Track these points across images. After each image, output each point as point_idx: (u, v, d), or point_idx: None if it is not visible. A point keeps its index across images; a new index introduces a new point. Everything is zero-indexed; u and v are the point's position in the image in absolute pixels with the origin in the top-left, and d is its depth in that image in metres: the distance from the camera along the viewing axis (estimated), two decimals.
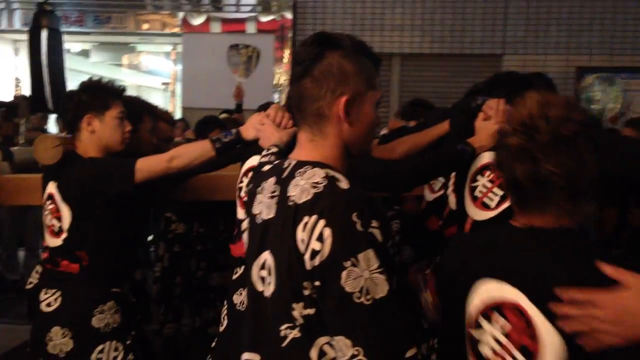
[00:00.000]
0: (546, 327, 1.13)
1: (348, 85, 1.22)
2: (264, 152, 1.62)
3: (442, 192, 2.55)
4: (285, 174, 1.24)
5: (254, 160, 2.02)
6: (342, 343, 1.08)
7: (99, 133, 2.15)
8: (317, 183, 1.14)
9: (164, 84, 8.80)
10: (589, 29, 6.38)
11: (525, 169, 1.21)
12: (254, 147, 1.96)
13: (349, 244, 1.08)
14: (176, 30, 7.11)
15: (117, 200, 2.07)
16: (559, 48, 6.44)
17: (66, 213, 2.06)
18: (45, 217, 2.13)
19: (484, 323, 1.24)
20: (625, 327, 1.03)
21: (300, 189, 1.15)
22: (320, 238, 1.09)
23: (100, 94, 2.17)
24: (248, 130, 1.96)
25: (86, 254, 2.07)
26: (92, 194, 2.04)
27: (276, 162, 1.37)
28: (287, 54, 6.89)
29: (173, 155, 2.04)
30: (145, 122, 2.42)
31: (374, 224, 1.11)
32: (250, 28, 6.98)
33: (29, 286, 2.34)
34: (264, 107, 2.12)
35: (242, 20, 6.99)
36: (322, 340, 1.14)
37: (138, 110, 2.38)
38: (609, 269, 1.07)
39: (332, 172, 1.17)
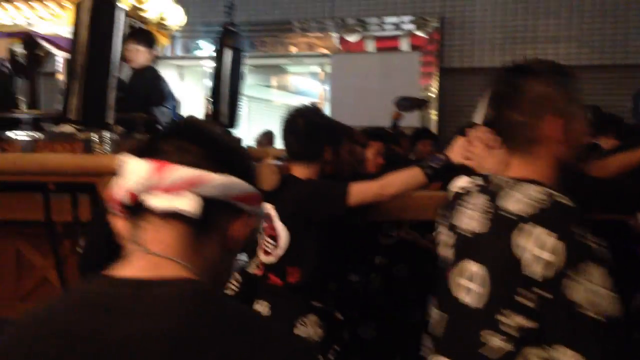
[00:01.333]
0: None
1: (552, 107, 1.26)
2: (471, 179, 1.64)
3: None
4: (497, 190, 1.29)
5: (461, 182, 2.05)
6: (567, 355, 1.08)
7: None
8: (540, 199, 1.18)
9: (312, 103, 9.07)
10: None
11: None
12: (458, 171, 1.99)
13: (580, 257, 1.11)
14: (325, 51, 7.33)
15: (329, 221, 2.18)
16: None
17: (283, 232, 2.20)
18: (260, 235, 2.29)
19: None
20: None
21: (519, 203, 1.20)
22: (550, 250, 1.11)
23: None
24: (456, 155, 1.98)
25: (297, 270, 2.20)
26: (307, 213, 2.17)
27: (483, 184, 1.40)
28: (435, 69, 6.87)
29: (385, 183, 2.13)
30: (344, 145, 2.54)
31: (597, 240, 1.14)
32: (404, 45, 7.05)
33: (228, 292, 2.48)
34: (462, 131, 2.14)
35: (395, 37, 7.09)
36: (530, 351, 1.15)
37: (339, 134, 2.49)
38: None
39: (550, 190, 1.21)
